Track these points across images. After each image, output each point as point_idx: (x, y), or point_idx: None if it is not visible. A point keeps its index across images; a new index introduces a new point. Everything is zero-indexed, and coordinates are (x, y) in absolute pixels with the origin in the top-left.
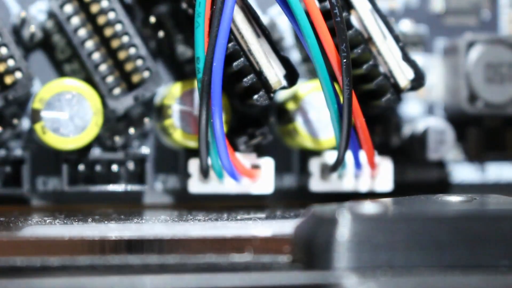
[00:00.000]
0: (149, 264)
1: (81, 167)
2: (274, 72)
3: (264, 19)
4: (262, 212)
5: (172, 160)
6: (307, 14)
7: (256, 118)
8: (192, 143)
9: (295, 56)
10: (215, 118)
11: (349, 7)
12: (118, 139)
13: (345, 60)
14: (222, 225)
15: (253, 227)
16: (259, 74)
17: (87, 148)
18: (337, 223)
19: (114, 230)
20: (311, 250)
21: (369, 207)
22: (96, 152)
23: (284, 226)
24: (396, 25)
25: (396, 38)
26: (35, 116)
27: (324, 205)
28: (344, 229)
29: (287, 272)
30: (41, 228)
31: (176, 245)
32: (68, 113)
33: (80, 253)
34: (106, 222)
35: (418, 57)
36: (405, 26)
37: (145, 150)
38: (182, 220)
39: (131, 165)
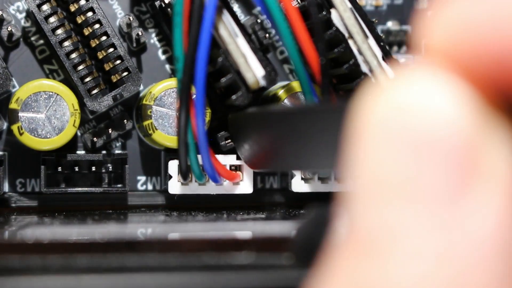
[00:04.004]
0: (149, 264)
1: (61, 168)
2: (252, 72)
3: (246, 18)
4: (262, 212)
5: (153, 161)
6: (286, 14)
7: None
8: (171, 144)
9: (278, 55)
10: (198, 119)
11: (329, 5)
12: (97, 140)
13: (322, 60)
14: (222, 225)
15: (253, 227)
16: (237, 74)
17: (67, 149)
18: (338, 223)
19: (113, 230)
20: (312, 250)
21: None
22: (75, 153)
23: (284, 226)
24: (381, 24)
25: (378, 37)
26: (12, 117)
27: (325, 205)
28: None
29: (287, 272)
30: (27, 229)
31: (176, 245)
32: (45, 114)
33: (79, 253)
34: (105, 222)
35: (402, 57)
36: (390, 24)
37: (125, 151)
38: (181, 220)
39: (111, 166)
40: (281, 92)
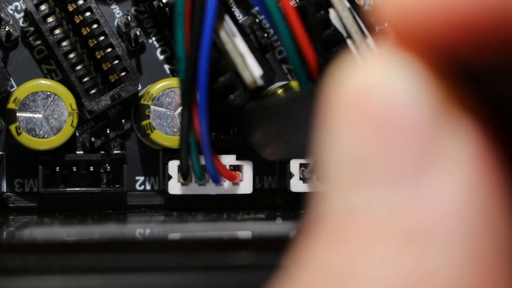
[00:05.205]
0: (148, 264)
1: (59, 168)
2: (249, 72)
3: (245, 18)
4: (262, 212)
5: (151, 161)
6: (284, 13)
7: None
8: (170, 144)
9: (276, 55)
10: (201, 120)
11: (327, 5)
12: (95, 140)
13: (320, 60)
14: (222, 225)
15: (253, 227)
16: (235, 73)
17: (65, 150)
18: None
19: (113, 230)
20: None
21: None
22: (73, 153)
23: (284, 226)
24: (380, 23)
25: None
26: (10, 117)
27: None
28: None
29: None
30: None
31: (176, 245)
32: (43, 114)
33: (79, 253)
34: (104, 222)
35: None
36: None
37: (123, 151)
38: (181, 220)
39: (109, 166)
40: (279, 92)
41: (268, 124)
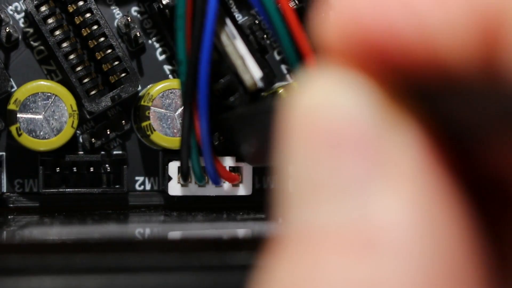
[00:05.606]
0: (148, 264)
1: (59, 169)
2: (249, 74)
3: (244, 19)
4: (262, 212)
5: (151, 162)
6: (283, 15)
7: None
8: (170, 145)
9: (275, 56)
10: (202, 121)
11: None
12: (95, 141)
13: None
14: (222, 225)
15: (253, 227)
16: (235, 75)
17: (65, 150)
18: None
19: (113, 230)
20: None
21: None
22: (73, 153)
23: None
24: None
25: None
26: (11, 118)
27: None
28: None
29: None
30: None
31: (176, 245)
32: (44, 115)
33: (79, 253)
34: (104, 222)
35: None
36: None
37: (123, 151)
38: (181, 220)
39: (109, 167)
40: (280, 91)
41: (247, 132)
